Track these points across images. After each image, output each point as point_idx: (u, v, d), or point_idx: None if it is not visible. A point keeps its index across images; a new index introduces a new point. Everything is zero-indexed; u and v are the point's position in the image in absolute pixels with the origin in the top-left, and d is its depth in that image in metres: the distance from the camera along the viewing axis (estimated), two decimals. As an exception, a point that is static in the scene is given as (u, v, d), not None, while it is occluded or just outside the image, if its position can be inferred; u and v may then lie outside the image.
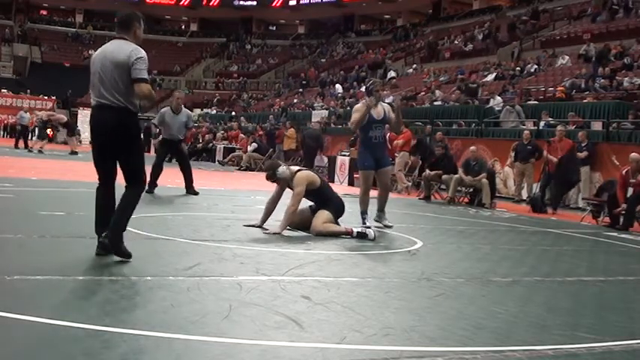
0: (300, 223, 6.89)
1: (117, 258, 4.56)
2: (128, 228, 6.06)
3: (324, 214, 6.85)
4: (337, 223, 6.95)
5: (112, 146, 4.60)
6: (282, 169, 6.91)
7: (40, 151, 21.62)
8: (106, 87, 4.55)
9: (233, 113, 35.15)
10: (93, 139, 4.74)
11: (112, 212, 4.64)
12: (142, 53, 4.62)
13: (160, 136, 10.85)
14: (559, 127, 13.30)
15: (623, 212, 10.21)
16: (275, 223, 6.79)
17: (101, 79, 4.57)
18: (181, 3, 52.25)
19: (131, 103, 4.59)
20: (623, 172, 10.50)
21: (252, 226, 6.84)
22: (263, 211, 7.03)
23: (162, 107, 11.94)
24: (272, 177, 6.92)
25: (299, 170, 7.06)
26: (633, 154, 10.69)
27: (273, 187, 7.27)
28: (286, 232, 6.61)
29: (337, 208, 7.02)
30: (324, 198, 7.01)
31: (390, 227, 7.79)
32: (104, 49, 4.68)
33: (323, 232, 6.70)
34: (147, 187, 9.99)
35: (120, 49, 4.61)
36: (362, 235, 6.74)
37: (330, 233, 6.71)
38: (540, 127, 15.61)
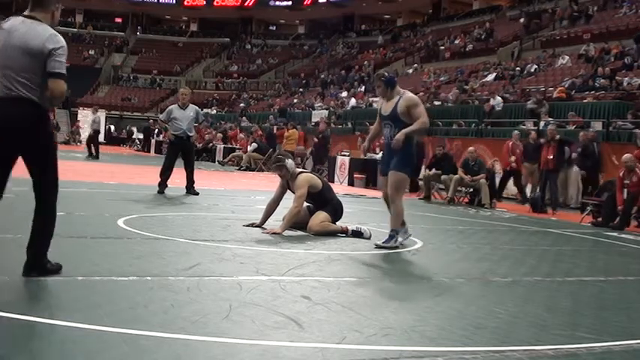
0: (296, 222, 6.94)
1: (117, 258, 4.56)
2: (127, 227, 6.10)
3: (321, 215, 6.89)
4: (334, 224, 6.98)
5: (15, 147, 3.81)
6: (291, 163, 7.01)
7: None
8: (10, 75, 3.74)
9: (243, 111, 35.17)
10: None
11: None
12: (63, 42, 3.81)
13: (167, 134, 10.79)
14: (550, 127, 13.35)
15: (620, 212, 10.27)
16: (275, 224, 6.80)
17: (6, 64, 3.75)
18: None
19: (41, 97, 3.78)
20: (620, 174, 10.54)
21: (252, 225, 6.85)
22: (263, 211, 7.05)
23: (169, 105, 11.95)
24: (278, 162, 6.97)
25: (301, 172, 7.11)
26: (626, 155, 10.73)
27: (273, 187, 7.28)
28: (286, 232, 6.61)
29: (335, 210, 7.05)
30: (323, 200, 7.06)
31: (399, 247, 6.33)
32: (11, 29, 3.79)
33: (320, 231, 6.73)
34: (158, 188, 10.08)
35: (34, 32, 3.76)
36: (357, 234, 6.77)
37: (326, 232, 6.75)
38: (540, 127, 15.61)
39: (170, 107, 10.89)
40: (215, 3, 51.73)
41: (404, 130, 6.09)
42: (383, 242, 6.18)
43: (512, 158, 13.82)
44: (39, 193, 3.92)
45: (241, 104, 37.99)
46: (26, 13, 3.86)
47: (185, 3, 52.19)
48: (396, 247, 6.16)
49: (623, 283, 5.56)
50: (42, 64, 3.73)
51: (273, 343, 2.97)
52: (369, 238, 6.69)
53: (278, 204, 7.09)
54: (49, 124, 3.95)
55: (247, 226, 6.85)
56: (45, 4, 3.85)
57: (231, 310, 3.44)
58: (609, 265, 6.63)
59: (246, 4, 51.40)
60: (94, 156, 20.72)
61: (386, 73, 6.71)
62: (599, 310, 4.29)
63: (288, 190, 7.07)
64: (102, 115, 41.10)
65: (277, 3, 51.23)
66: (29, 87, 3.74)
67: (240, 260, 4.97)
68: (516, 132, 14.61)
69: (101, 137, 40.19)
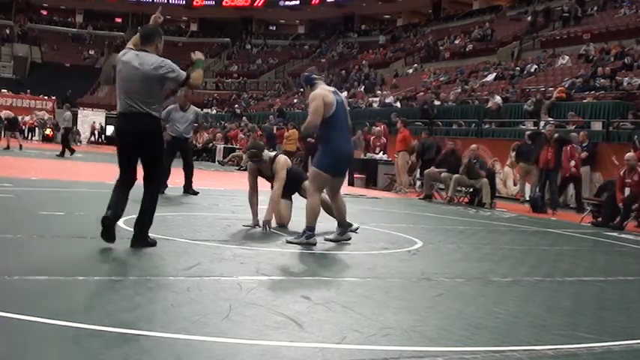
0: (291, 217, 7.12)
1: (117, 258, 4.57)
2: (127, 227, 6.11)
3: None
4: None
5: (138, 149, 5.02)
6: (267, 152, 7.16)
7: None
8: (132, 96, 4.95)
9: (238, 111, 35.09)
10: (122, 142, 5.15)
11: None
12: (166, 62, 5.00)
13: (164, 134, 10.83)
14: (548, 127, 13.34)
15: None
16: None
17: (129, 88, 4.99)
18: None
19: (156, 110, 5.04)
20: (621, 172, 10.56)
21: (249, 226, 6.85)
22: (250, 206, 7.02)
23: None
24: (257, 156, 7.03)
25: (276, 155, 7.24)
26: (629, 154, 10.76)
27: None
28: (285, 233, 6.61)
29: (304, 177, 7.26)
30: (294, 175, 7.23)
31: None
32: (128, 60, 5.01)
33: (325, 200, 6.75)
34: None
35: (147, 62, 4.95)
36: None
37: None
38: (540, 128, 15.61)
39: (169, 107, 10.84)
40: (224, 3, 51.68)
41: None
42: (294, 237, 6.06)
43: (573, 163, 12.87)
44: (148, 184, 5.07)
45: (236, 106, 37.95)
46: (137, 46, 5.12)
47: (194, 3, 52.19)
48: (309, 245, 5.86)
49: (623, 283, 5.56)
50: (156, 84, 4.97)
51: (273, 343, 2.97)
52: (355, 231, 6.71)
53: (257, 191, 7.10)
54: (162, 133, 5.30)
55: (246, 226, 6.85)
56: (151, 40, 5.12)
57: (231, 310, 3.44)
58: (609, 265, 6.63)
59: (255, 4, 51.35)
60: (63, 154, 19.91)
61: (305, 73, 6.52)
62: (599, 310, 4.29)
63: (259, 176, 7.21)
64: (101, 115, 41.22)
65: (286, 3, 51.15)
66: (147, 104, 4.94)
67: (240, 260, 4.97)
68: (574, 134, 13.76)
69: (86, 137, 40.21)
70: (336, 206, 6.32)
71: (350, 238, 6.33)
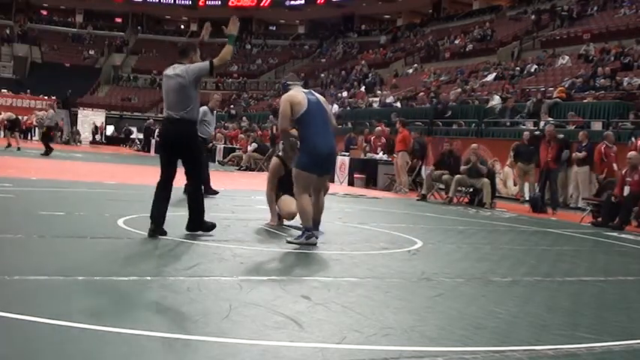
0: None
1: (117, 258, 4.57)
2: (127, 227, 6.12)
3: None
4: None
5: (177, 151, 5.78)
6: None
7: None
8: (170, 104, 5.73)
9: (233, 112, 35.08)
10: (161, 144, 6.03)
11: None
12: (189, 66, 5.70)
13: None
14: (547, 128, 13.33)
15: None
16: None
17: (168, 98, 5.77)
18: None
19: (191, 114, 5.72)
20: (623, 171, 10.56)
21: (270, 224, 6.95)
22: (269, 206, 7.06)
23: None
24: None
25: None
26: (631, 152, 10.75)
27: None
28: (285, 233, 6.61)
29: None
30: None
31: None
32: (167, 74, 5.80)
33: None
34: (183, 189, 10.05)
35: (176, 71, 5.70)
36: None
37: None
38: (540, 127, 15.60)
39: (204, 108, 10.24)
40: (230, 3, 51.63)
41: None
42: (294, 238, 6.07)
43: (615, 166, 12.20)
44: (191, 180, 5.95)
45: (232, 106, 37.89)
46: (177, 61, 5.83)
47: (200, 3, 52.17)
48: (309, 245, 5.86)
49: (623, 283, 5.56)
50: (189, 89, 5.66)
51: (273, 343, 2.97)
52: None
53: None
54: (197, 135, 6.04)
55: (268, 225, 6.91)
56: (186, 54, 5.90)
57: (231, 310, 3.44)
58: (609, 265, 6.63)
59: (262, 4, 51.28)
60: (47, 153, 19.56)
61: (282, 80, 6.62)
62: (599, 310, 4.29)
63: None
64: (101, 115, 41.22)
65: (291, 2, 51.03)
66: (183, 110, 5.67)
67: (240, 260, 4.97)
68: (609, 132, 13.24)
69: (84, 136, 40.21)
70: (314, 202, 6.20)
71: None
